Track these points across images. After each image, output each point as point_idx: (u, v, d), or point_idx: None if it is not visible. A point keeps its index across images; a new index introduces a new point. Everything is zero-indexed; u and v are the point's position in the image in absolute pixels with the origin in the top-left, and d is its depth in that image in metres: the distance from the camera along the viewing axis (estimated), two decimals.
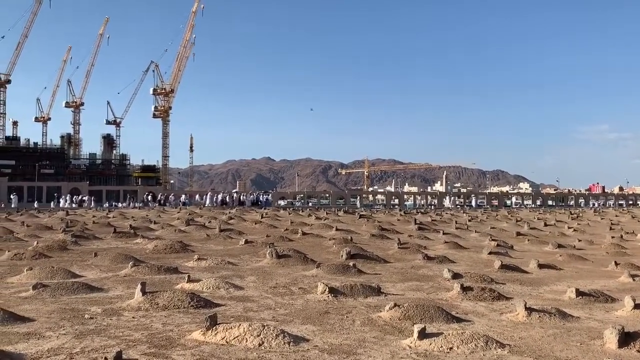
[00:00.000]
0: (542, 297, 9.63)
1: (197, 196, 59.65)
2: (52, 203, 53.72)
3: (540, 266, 13.37)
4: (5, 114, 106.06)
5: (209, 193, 58.58)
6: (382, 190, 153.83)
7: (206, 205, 49.51)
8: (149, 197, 58.33)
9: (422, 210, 49.10)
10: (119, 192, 64.95)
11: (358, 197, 67.72)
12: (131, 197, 59.56)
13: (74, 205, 51.03)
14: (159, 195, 59.30)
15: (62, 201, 53.45)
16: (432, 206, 61.86)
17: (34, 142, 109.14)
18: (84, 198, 54.98)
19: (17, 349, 5.63)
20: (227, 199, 54.33)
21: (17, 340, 6.01)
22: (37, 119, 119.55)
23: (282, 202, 60.69)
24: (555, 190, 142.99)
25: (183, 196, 58.27)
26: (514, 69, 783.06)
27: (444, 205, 61.60)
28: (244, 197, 57.09)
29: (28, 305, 7.92)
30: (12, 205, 50.10)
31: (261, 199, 58.72)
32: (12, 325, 6.63)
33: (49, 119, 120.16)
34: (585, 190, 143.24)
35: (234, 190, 71.58)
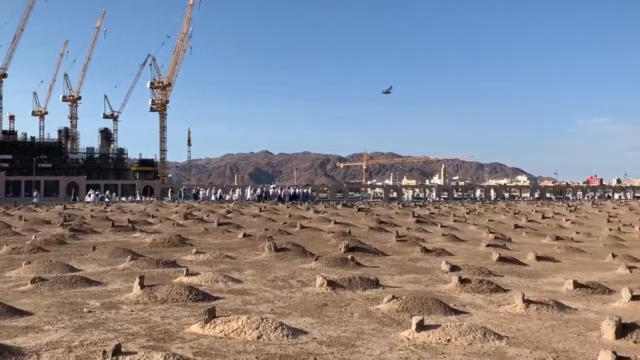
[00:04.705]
0: (540, 289, 9.67)
1: (238, 190, 59.50)
2: (77, 198, 53.54)
3: (538, 258, 13.41)
4: (1, 108, 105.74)
5: (249, 187, 59.15)
6: (380, 183, 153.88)
7: (247, 199, 50.35)
8: (185, 191, 57.85)
9: (421, 204, 49.21)
10: (117, 186, 64.88)
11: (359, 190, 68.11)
12: (172, 191, 60.14)
13: (99, 199, 50.67)
14: (193, 190, 59.31)
15: (88, 197, 52.79)
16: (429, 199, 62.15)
17: (31, 137, 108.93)
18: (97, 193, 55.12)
19: (15, 342, 5.64)
20: (266, 194, 54.44)
21: (16, 333, 6.01)
22: (34, 113, 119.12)
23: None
24: (553, 182, 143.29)
25: (220, 190, 57.78)
26: (512, 62, 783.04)
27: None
28: (283, 192, 56.59)
29: (26, 299, 7.92)
30: (34, 200, 49.07)
31: (298, 192, 57.47)
32: (10, 319, 6.63)
33: (46, 113, 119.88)
34: (584, 182, 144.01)
35: (272, 185, 71.50)
